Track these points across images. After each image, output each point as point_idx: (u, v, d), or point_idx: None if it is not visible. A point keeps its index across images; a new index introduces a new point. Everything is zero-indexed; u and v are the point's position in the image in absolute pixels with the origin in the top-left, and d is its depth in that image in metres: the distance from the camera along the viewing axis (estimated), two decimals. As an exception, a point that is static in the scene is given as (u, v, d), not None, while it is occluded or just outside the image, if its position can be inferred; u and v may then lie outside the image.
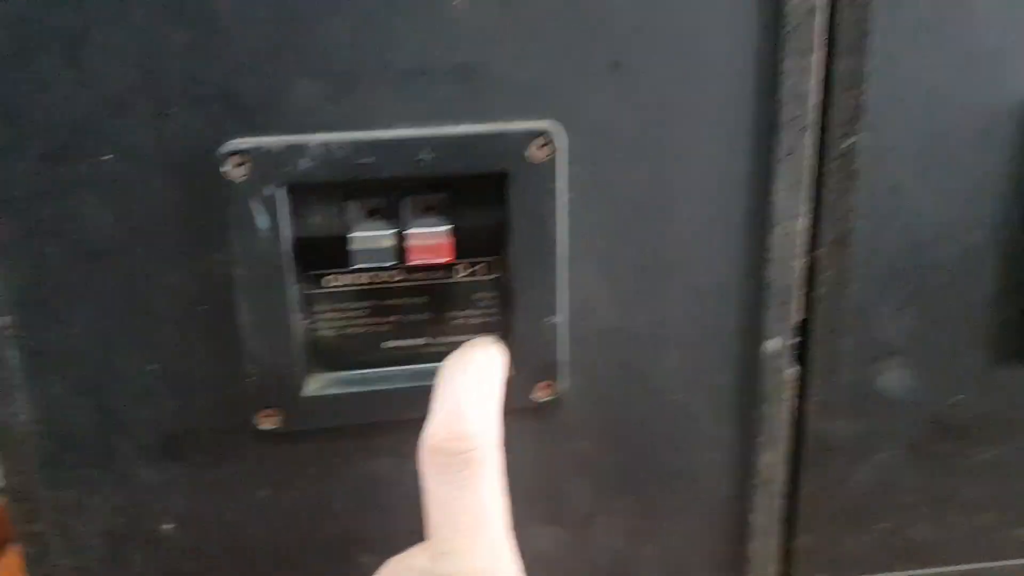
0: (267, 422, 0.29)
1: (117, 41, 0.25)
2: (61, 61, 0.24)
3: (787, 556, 0.35)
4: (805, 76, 0.28)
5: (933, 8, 0.28)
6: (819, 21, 0.27)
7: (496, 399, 0.26)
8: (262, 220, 0.26)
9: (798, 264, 0.30)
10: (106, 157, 0.26)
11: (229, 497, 0.30)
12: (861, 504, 0.34)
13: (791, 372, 0.31)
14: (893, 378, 0.32)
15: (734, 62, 0.27)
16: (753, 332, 0.30)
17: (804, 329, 0.31)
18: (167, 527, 0.30)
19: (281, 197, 0.26)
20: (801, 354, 0.31)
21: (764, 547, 0.34)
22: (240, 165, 0.26)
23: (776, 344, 0.31)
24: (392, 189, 0.28)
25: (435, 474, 0.24)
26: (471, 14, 0.26)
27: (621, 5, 0.26)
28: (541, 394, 0.30)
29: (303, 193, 0.27)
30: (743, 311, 0.30)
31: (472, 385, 0.25)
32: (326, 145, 0.26)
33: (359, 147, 0.26)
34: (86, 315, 0.27)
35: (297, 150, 0.26)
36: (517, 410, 0.29)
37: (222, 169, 0.26)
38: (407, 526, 0.27)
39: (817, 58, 0.27)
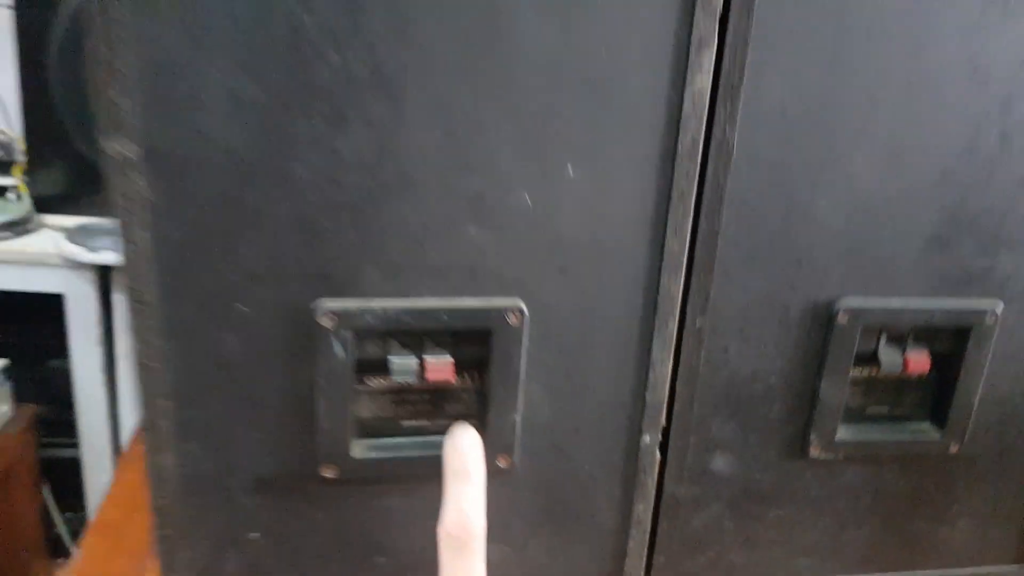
0: (327, 472, 0.42)
1: (259, 245, 0.38)
2: (222, 254, 0.38)
3: (649, 571, 0.50)
4: (674, 287, 0.43)
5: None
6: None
7: (483, 488, 0.38)
8: (338, 350, 0.40)
9: (664, 391, 0.45)
10: (245, 309, 0.39)
11: (298, 518, 0.43)
12: (698, 539, 0.49)
13: (657, 456, 0.47)
14: (720, 462, 0.48)
15: (632, 290, 0.43)
16: (635, 431, 0.46)
17: (667, 430, 0.46)
18: (254, 535, 0.43)
19: (351, 336, 0.40)
20: (663, 445, 0.47)
21: (635, 565, 0.49)
22: (329, 317, 0.40)
23: (648, 439, 0.46)
24: (420, 332, 0.42)
25: (447, 550, 0.37)
26: (478, 237, 0.40)
27: (570, 233, 0.41)
28: (502, 462, 0.44)
29: (364, 333, 0.41)
30: (630, 418, 0.45)
31: (472, 484, 0.37)
32: (383, 308, 0.40)
33: (402, 311, 0.40)
34: (217, 401, 0.41)
35: (364, 310, 0.40)
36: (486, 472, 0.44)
37: (317, 319, 0.40)
38: (419, 543, 0.41)
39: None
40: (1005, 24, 0.41)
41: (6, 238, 0.89)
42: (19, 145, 0.94)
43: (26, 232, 0.92)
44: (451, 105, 0.37)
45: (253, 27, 0.33)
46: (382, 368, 0.41)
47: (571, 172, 0.39)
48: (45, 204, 0.95)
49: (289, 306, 0.39)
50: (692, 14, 0.37)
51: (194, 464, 0.40)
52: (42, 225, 0.94)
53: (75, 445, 0.92)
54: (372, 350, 0.41)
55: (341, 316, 0.39)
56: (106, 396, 0.89)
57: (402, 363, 0.41)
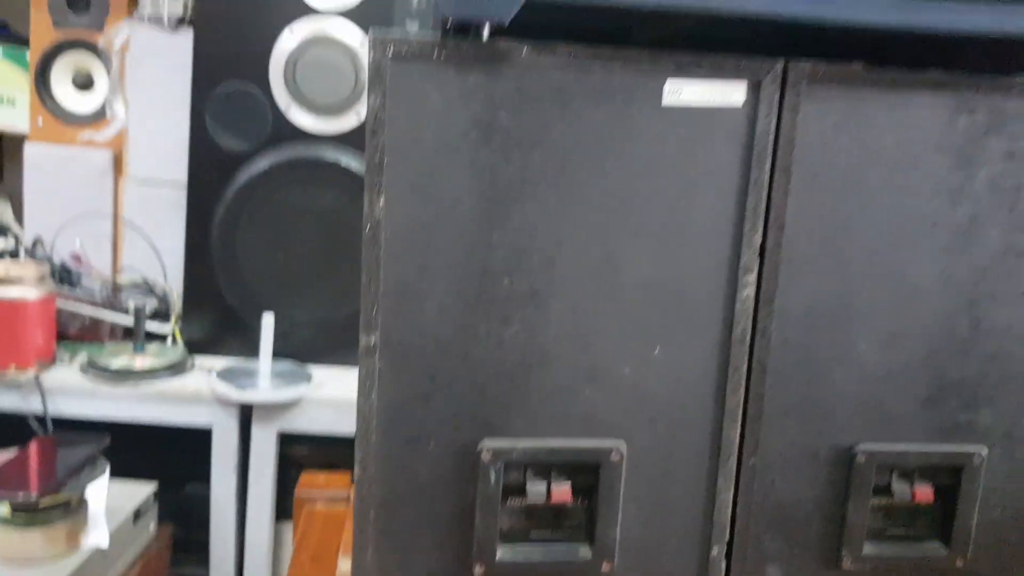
0: (478, 569, 0.58)
1: (446, 402, 0.56)
2: (422, 409, 0.55)
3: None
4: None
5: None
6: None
7: None
8: (493, 477, 0.57)
9: (727, 514, 0.60)
10: (432, 446, 0.56)
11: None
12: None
13: (723, 565, 0.61)
14: (772, 570, 0.62)
15: (702, 436, 0.59)
16: (706, 544, 0.61)
17: (730, 544, 0.61)
18: (423, 618, 0.58)
19: (502, 467, 0.57)
20: (728, 555, 0.61)
21: None
22: (487, 452, 0.57)
23: (716, 551, 0.61)
24: (548, 465, 0.59)
25: None
26: (592, 396, 0.57)
27: (656, 394, 0.58)
28: (605, 568, 0.59)
29: (511, 465, 0.58)
30: (702, 533, 0.60)
31: None
32: (525, 447, 0.57)
33: (537, 449, 0.57)
34: (409, 512, 0.57)
35: (512, 448, 0.57)
36: None
37: (480, 452, 0.57)
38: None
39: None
40: (968, 248, 0.58)
41: (165, 378, 1.07)
42: (176, 298, 1.15)
43: (182, 372, 1.10)
44: (578, 309, 0.55)
45: (458, 264, 0.53)
46: (521, 491, 0.57)
47: (658, 352, 0.57)
48: (195, 347, 1.13)
49: (462, 445, 0.56)
50: (739, 248, 0.56)
51: (385, 557, 0.56)
52: (194, 366, 1.13)
53: (205, 563, 1.06)
54: (515, 477, 0.57)
55: (496, 452, 0.56)
56: (236, 519, 1.03)
57: (535, 488, 0.57)
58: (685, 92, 0.53)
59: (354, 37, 0.99)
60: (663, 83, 0.52)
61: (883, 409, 0.60)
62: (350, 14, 0.99)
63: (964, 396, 0.61)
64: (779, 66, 0.54)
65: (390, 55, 0.49)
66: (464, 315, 0.54)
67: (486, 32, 0.50)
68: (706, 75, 0.53)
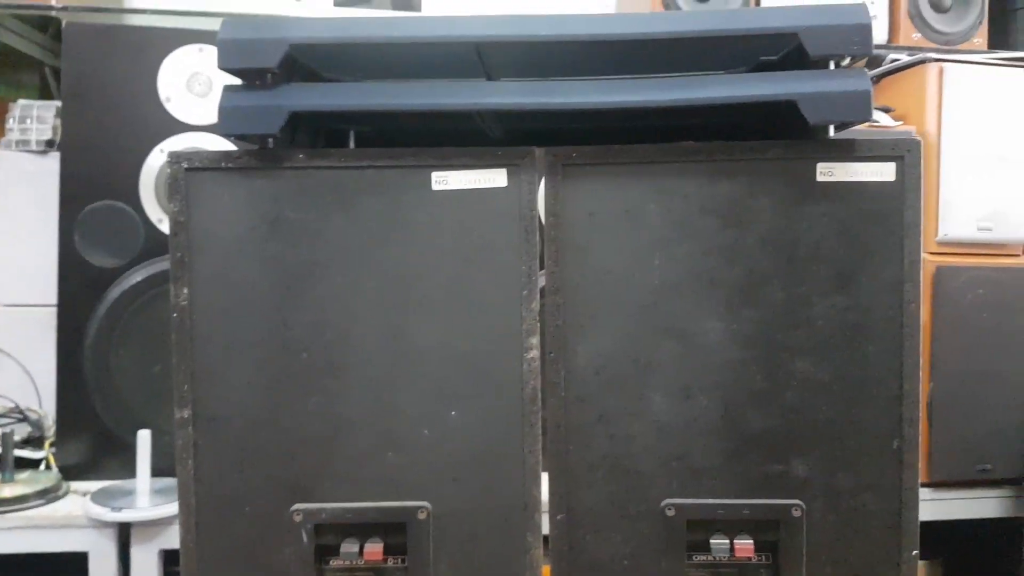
0: (298, 629, 0.63)
1: (259, 467, 0.63)
2: (239, 475, 0.63)
3: None
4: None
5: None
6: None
7: None
8: (305, 538, 0.63)
9: (539, 571, 0.64)
10: (248, 509, 0.64)
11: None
12: None
13: None
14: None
15: (506, 493, 0.64)
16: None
17: None
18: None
19: (312, 528, 0.63)
20: None
21: None
22: (297, 514, 0.63)
23: None
24: (360, 525, 0.64)
25: None
26: (395, 459, 0.64)
27: (457, 455, 0.64)
28: (420, 625, 0.63)
29: (323, 527, 0.64)
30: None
31: None
32: (334, 508, 0.63)
33: (346, 510, 0.63)
34: (232, 574, 0.64)
35: (322, 510, 0.63)
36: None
37: (292, 514, 0.63)
38: None
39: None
40: (750, 302, 0.63)
41: (38, 505, 1.05)
42: (49, 422, 1.15)
43: (56, 498, 1.07)
44: (374, 378, 0.62)
45: (260, 342, 0.61)
46: (335, 552, 0.63)
47: (455, 414, 0.63)
48: (71, 472, 1.12)
49: (275, 508, 0.63)
50: (520, 313, 0.62)
51: (212, 620, 0.63)
52: (69, 491, 1.10)
53: None
54: (330, 539, 0.63)
55: (306, 514, 0.62)
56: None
57: (348, 549, 0.63)
58: (451, 180, 0.61)
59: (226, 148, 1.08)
60: (430, 174, 0.61)
61: (688, 463, 0.63)
62: (217, 127, 1.09)
63: (772, 448, 0.63)
64: (535, 152, 0.61)
65: (185, 167, 0.60)
66: (268, 388, 0.62)
67: (270, 142, 0.61)
68: (469, 165, 0.61)
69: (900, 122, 1.18)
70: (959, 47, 1.34)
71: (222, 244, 0.61)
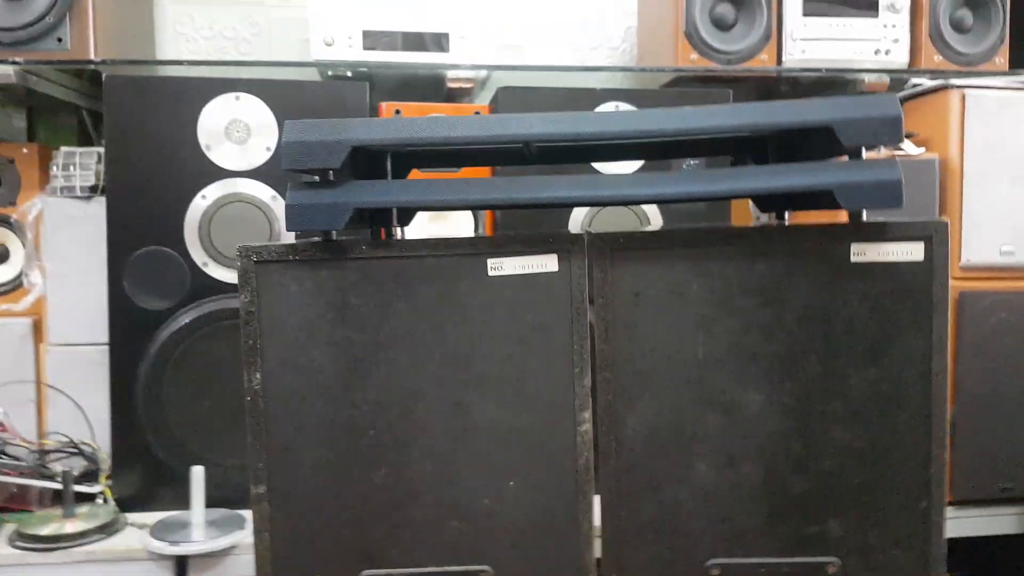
0: None
1: (330, 535, 0.69)
2: (309, 547, 0.69)
3: None
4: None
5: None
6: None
7: None
8: (376, 601, 0.69)
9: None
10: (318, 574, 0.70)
11: None
12: None
13: None
14: None
15: (562, 559, 0.70)
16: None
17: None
18: None
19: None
20: None
21: None
22: None
23: None
24: None
25: None
26: (458, 527, 0.69)
27: (515, 522, 0.70)
28: None
29: None
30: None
31: None
32: (401, 574, 0.69)
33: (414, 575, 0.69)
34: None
35: None
36: None
37: None
38: None
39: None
40: (789, 375, 0.68)
41: (99, 540, 1.10)
42: (103, 455, 1.21)
43: (114, 532, 1.12)
44: (436, 451, 0.68)
45: (328, 422, 0.67)
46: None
47: (512, 485, 0.68)
48: (126, 504, 1.18)
49: (347, 575, 0.68)
50: (573, 389, 0.68)
51: None
52: (126, 524, 1.15)
53: None
54: None
55: (375, 579, 0.68)
56: None
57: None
58: (505, 266, 0.67)
59: (264, 193, 1.13)
60: (486, 260, 0.66)
61: (731, 525, 0.69)
62: (257, 173, 1.13)
63: (809, 510, 0.69)
64: (583, 238, 0.67)
65: (254, 260, 0.65)
66: (338, 464, 0.67)
67: (333, 233, 0.66)
68: (521, 252, 0.66)
69: (923, 148, 1.21)
70: (980, 67, 1.37)
71: (291, 330, 0.66)
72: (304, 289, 0.66)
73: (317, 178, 0.65)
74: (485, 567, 0.68)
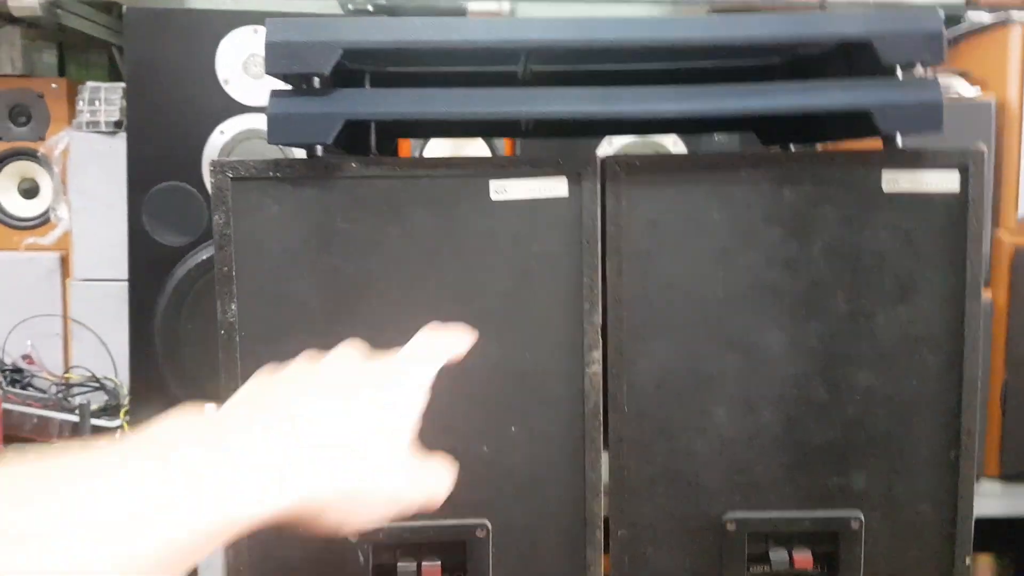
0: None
1: None
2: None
3: None
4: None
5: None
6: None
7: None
8: (362, 559, 0.64)
9: None
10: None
11: None
12: None
13: None
14: None
15: (566, 509, 0.65)
16: None
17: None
18: None
19: (370, 550, 0.64)
20: None
21: None
22: (353, 535, 0.64)
23: None
24: (417, 544, 0.65)
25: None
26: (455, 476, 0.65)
27: (517, 470, 0.65)
28: (479, 644, 0.65)
29: (378, 547, 0.65)
30: None
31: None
32: (389, 529, 0.64)
33: (403, 528, 0.64)
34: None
35: (377, 530, 0.64)
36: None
37: (349, 537, 0.64)
38: None
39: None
40: (813, 314, 0.64)
41: None
42: (124, 391, 1.26)
43: None
44: (431, 394, 0.63)
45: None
46: (393, 572, 0.64)
47: (514, 430, 0.64)
48: None
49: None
50: (582, 327, 0.63)
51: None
52: None
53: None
54: (386, 558, 0.64)
55: (362, 533, 0.63)
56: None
57: (406, 568, 0.63)
58: (511, 189, 0.61)
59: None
60: (487, 183, 0.61)
61: (749, 476, 0.65)
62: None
63: (832, 461, 0.65)
64: (596, 159, 0.62)
65: (230, 176, 0.59)
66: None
67: (319, 149, 0.60)
68: (528, 173, 0.61)
69: (978, 88, 1.15)
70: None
71: (270, 257, 0.60)
72: (285, 211, 0.60)
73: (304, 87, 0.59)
74: (483, 521, 0.64)
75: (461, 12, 1.23)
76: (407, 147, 1.14)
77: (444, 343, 0.51)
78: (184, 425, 0.39)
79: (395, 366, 0.48)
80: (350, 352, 0.48)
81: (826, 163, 0.63)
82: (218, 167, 0.59)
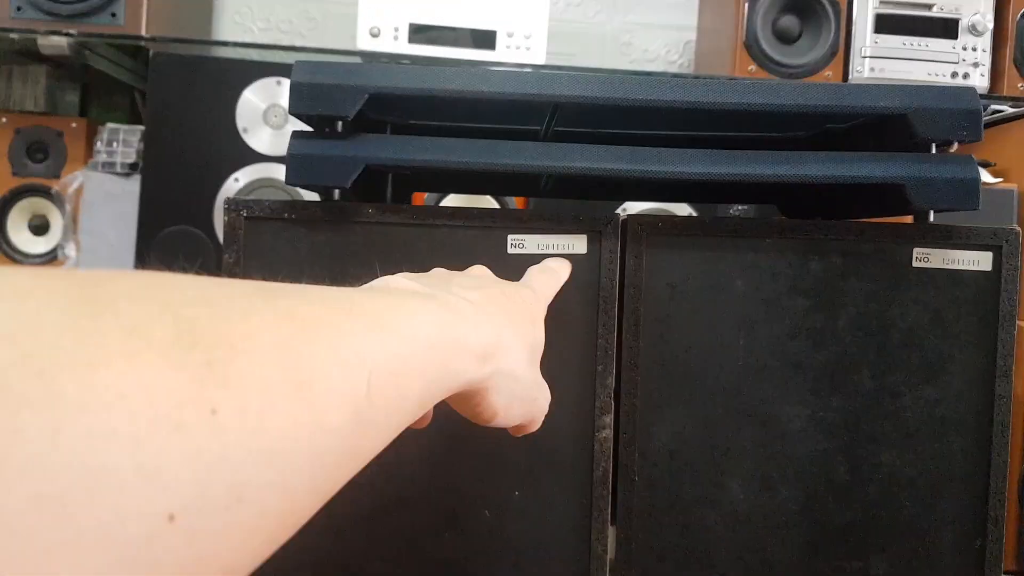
0: None
1: (298, 544, 0.61)
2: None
3: None
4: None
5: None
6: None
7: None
8: (351, 623, 0.61)
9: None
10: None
11: None
12: None
13: None
14: None
15: None
16: None
17: None
18: None
19: None
20: None
21: None
22: None
23: None
24: None
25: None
26: (452, 542, 0.62)
27: (519, 537, 0.62)
28: None
29: None
30: None
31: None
32: None
33: (398, 592, 0.61)
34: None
35: None
36: None
37: None
38: None
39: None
40: (837, 389, 0.62)
41: None
42: None
43: None
44: (434, 453, 0.60)
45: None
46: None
47: (518, 495, 0.61)
48: None
49: None
50: (594, 390, 0.61)
51: None
52: None
53: None
54: None
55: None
56: None
57: None
58: (528, 244, 0.60)
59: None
60: (505, 236, 0.60)
61: (763, 556, 0.62)
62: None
63: (851, 543, 0.62)
64: (617, 218, 0.60)
65: (244, 215, 0.58)
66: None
67: (336, 193, 0.59)
68: (547, 229, 0.60)
69: (1000, 179, 1.16)
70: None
71: (279, 301, 0.59)
72: (298, 254, 0.59)
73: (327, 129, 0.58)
74: (481, 589, 0.61)
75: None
76: (420, 201, 1.14)
77: (556, 272, 0.54)
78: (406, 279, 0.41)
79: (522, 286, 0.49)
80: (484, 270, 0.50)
81: (856, 235, 0.61)
82: (232, 205, 0.58)
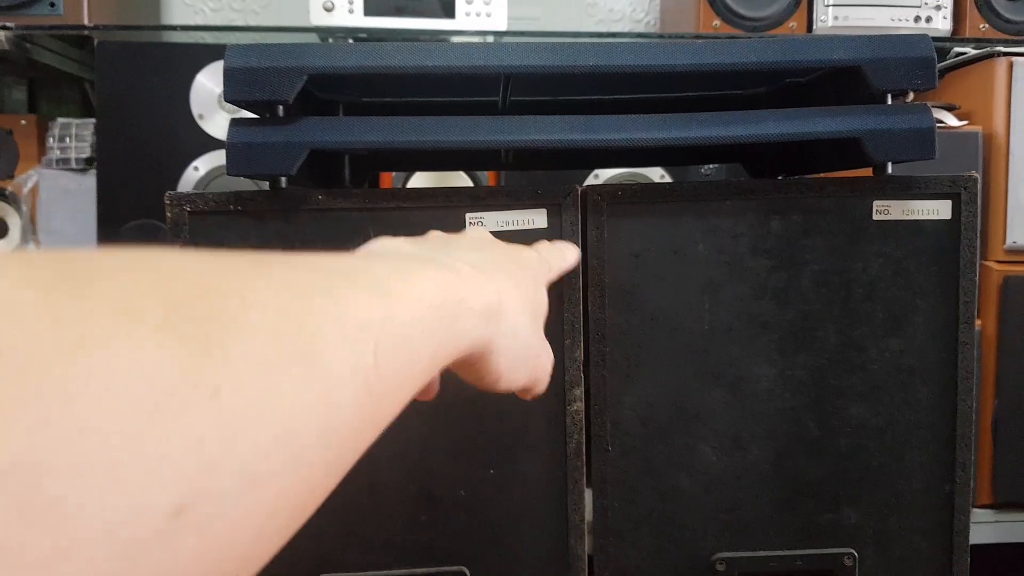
0: None
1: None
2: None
3: None
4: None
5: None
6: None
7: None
8: (334, 611, 0.61)
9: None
10: None
11: None
12: None
13: None
14: None
15: (548, 557, 0.63)
16: None
17: None
18: None
19: None
20: None
21: None
22: (327, 586, 0.61)
23: None
24: None
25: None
26: (428, 521, 0.62)
27: (495, 515, 0.63)
28: None
29: None
30: None
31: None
32: (364, 578, 0.62)
33: None
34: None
35: (352, 580, 0.62)
36: None
37: (319, 588, 0.61)
38: None
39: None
40: (803, 346, 0.62)
41: None
42: None
43: None
44: (407, 436, 0.60)
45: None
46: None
47: (492, 473, 0.61)
48: None
49: (299, 580, 0.61)
50: (564, 364, 0.61)
51: None
52: None
53: None
54: None
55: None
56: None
57: None
58: (487, 221, 0.59)
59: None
60: (463, 215, 0.59)
61: (738, 515, 0.63)
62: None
63: (823, 496, 0.63)
64: (575, 191, 0.60)
65: (188, 210, 0.56)
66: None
67: (283, 180, 0.57)
68: (506, 205, 0.59)
69: (965, 121, 1.15)
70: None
71: (234, 296, 0.58)
72: (248, 246, 0.57)
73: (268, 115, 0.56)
74: (460, 568, 0.61)
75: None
76: (388, 180, 1.12)
77: (563, 251, 0.52)
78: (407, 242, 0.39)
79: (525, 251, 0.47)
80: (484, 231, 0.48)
81: (815, 191, 0.61)
82: (175, 200, 0.56)
